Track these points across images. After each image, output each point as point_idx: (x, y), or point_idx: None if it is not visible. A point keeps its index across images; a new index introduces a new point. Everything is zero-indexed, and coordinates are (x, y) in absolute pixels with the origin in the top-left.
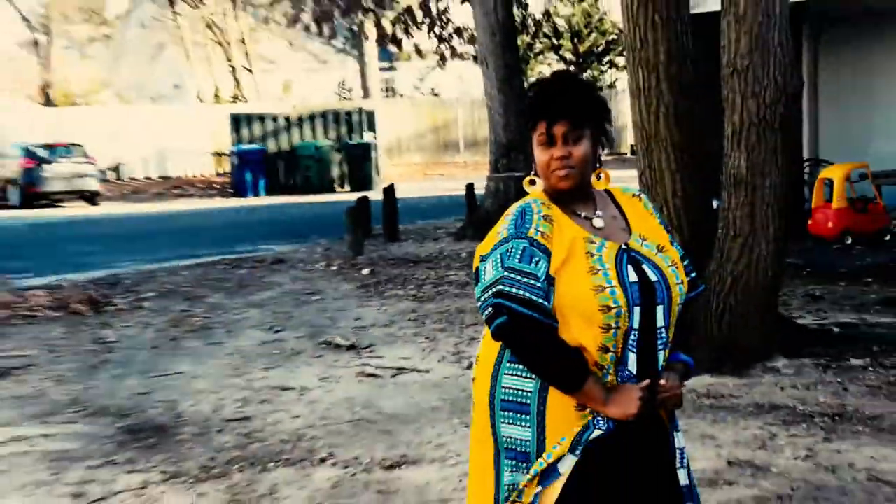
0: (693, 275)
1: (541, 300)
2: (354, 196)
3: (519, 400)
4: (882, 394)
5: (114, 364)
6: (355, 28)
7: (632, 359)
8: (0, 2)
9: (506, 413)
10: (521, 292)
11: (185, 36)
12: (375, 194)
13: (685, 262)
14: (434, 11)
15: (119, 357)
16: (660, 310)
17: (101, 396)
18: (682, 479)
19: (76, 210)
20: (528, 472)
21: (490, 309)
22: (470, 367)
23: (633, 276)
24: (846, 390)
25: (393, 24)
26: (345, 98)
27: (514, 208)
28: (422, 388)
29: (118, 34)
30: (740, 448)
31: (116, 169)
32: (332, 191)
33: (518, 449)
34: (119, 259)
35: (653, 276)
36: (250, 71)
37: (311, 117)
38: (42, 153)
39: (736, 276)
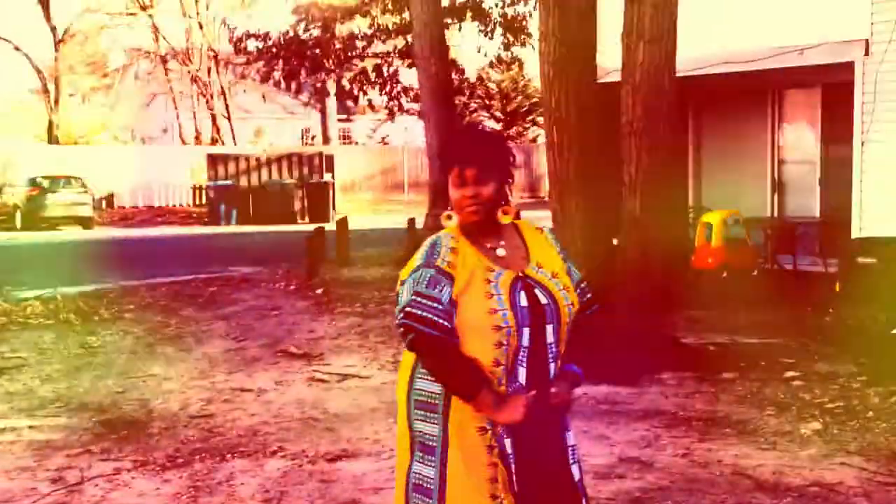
0: (588, 296)
1: (442, 321)
2: (312, 226)
3: (429, 400)
4: (747, 402)
5: (95, 366)
6: (318, 85)
7: (521, 372)
8: (16, 55)
9: (418, 411)
10: (425, 314)
11: (174, 87)
12: (330, 226)
13: (583, 285)
14: (385, 73)
15: (100, 360)
16: (549, 328)
17: (83, 394)
18: (575, 473)
19: (71, 234)
20: (430, 464)
21: (402, 328)
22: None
23: (524, 300)
24: (718, 399)
25: (350, 83)
26: (308, 143)
27: (427, 241)
28: (363, 391)
29: (117, 84)
30: (630, 447)
31: (109, 198)
32: (294, 222)
33: (427, 443)
34: (105, 276)
35: (543, 300)
36: (227, 118)
37: (279, 159)
38: (45, 183)
39: (631, 301)
